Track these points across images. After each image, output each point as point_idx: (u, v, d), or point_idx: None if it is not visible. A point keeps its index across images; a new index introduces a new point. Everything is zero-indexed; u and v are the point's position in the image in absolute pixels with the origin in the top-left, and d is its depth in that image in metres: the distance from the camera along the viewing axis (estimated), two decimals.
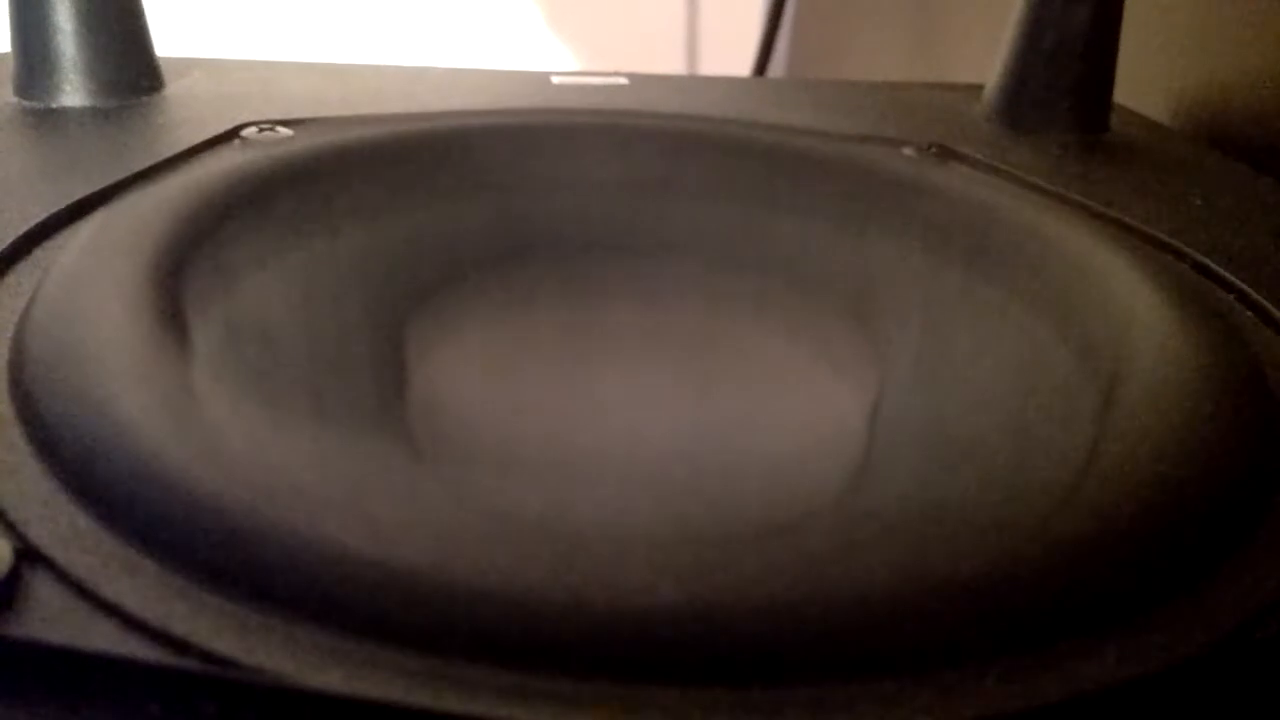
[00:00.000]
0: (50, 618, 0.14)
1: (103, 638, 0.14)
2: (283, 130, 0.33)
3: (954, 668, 0.15)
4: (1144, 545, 0.17)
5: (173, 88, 0.38)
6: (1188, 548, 0.17)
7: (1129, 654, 0.15)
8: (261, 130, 0.33)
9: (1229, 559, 0.18)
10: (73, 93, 0.35)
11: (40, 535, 0.16)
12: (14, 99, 0.35)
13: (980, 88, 0.43)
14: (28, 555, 0.15)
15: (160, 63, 0.38)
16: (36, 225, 0.26)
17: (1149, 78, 0.47)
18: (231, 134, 0.33)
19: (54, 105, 0.35)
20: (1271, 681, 0.15)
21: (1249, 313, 0.26)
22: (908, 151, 0.35)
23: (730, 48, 0.91)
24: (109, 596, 0.15)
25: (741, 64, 0.86)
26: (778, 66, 0.88)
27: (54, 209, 0.27)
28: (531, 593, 0.15)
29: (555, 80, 0.42)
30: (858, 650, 0.15)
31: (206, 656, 0.14)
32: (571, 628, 0.15)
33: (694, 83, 0.46)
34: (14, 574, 0.15)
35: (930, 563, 0.16)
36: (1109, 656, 0.15)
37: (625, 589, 0.15)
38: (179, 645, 0.14)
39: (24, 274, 0.24)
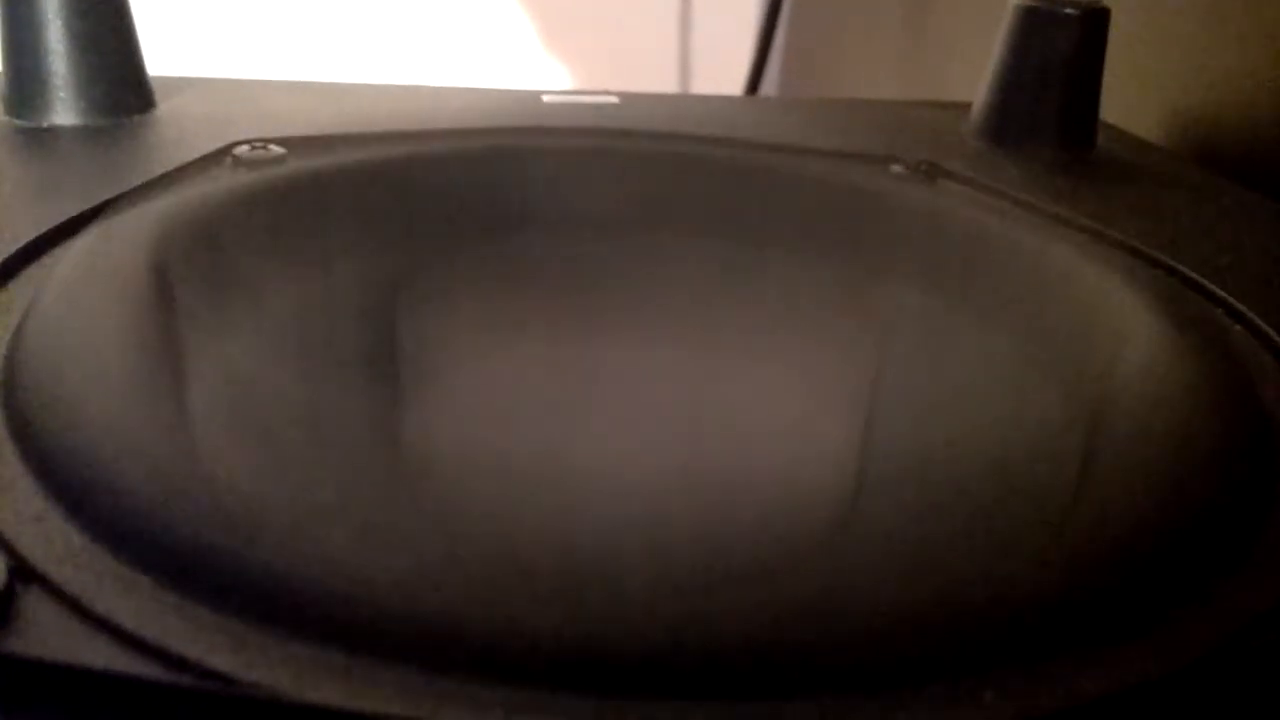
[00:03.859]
0: (45, 635, 0.14)
1: (98, 654, 0.14)
2: (275, 149, 0.33)
3: (952, 681, 0.15)
4: (1137, 564, 0.17)
5: (164, 106, 0.38)
6: (1182, 566, 0.18)
7: (1123, 669, 0.15)
8: (253, 149, 0.33)
9: (1224, 578, 0.18)
10: (64, 112, 0.35)
11: (34, 552, 0.16)
12: (5, 118, 0.35)
13: (968, 105, 0.43)
14: (21, 572, 0.15)
15: (152, 81, 0.38)
16: (28, 244, 0.26)
17: (1141, 98, 0.47)
18: (223, 152, 0.33)
19: (45, 124, 0.35)
20: (1249, 695, 0.16)
21: (1239, 327, 0.27)
22: (897, 168, 0.35)
23: (722, 66, 0.91)
24: (104, 613, 0.15)
25: (733, 83, 0.87)
26: (769, 85, 0.88)
27: (45, 228, 0.27)
28: (527, 610, 0.15)
29: (546, 99, 0.42)
30: (856, 663, 0.15)
31: (203, 672, 0.14)
32: (567, 642, 0.15)
33: (686, 101, 0.47)
34: (8, 591, 0.15)
35: (929, 579, 0.16)
36: (1103, 671, 0.15)
37: (621, 600, 0.15)
38: (175, 661, 0.14)
39: (16, 292, 0.24)
